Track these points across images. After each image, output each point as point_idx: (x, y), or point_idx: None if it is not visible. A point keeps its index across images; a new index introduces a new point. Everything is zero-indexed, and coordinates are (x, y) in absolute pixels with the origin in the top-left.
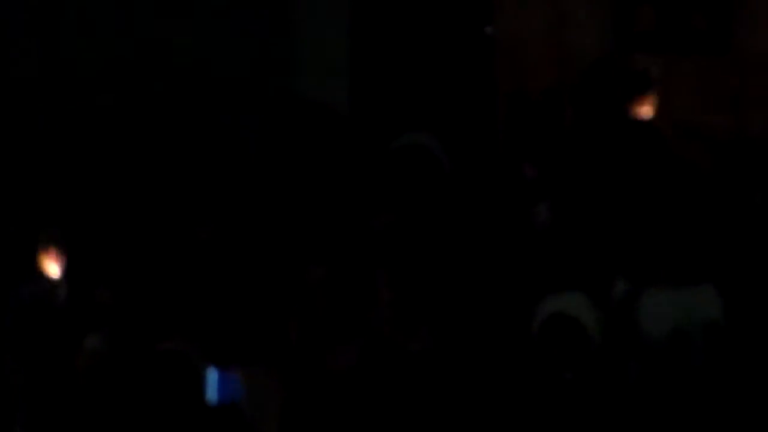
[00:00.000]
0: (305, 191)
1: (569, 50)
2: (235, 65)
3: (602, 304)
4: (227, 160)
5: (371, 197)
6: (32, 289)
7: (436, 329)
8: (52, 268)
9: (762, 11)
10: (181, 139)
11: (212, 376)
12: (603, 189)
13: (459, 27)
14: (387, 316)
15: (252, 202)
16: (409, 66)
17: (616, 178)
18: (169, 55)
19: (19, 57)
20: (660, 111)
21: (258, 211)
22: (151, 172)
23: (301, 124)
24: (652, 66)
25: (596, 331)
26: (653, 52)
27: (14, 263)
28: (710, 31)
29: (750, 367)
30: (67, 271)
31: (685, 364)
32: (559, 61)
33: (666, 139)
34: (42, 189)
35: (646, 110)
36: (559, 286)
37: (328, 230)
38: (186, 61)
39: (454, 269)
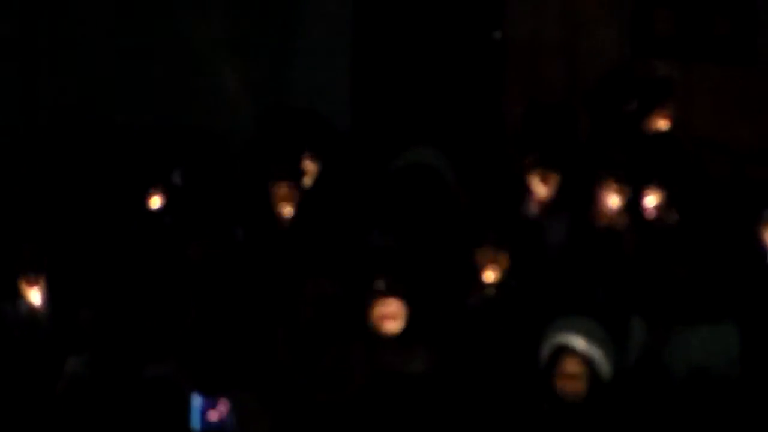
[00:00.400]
0: (303, 207)
1: (583, 56)
2: (233, 75)
3: (615, 335)
4: (218, 174)
5: (372, 214)
6: (14, 309)
7: (435, 351)
8: (33, 294)
9: None
10: (168, 153)
11: (196, 402)
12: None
13: (466, 31)
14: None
15: (244, 220)
16: (413, 73)
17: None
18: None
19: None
20: (678, 120)
21: (251, 229)
22: (135, 189)
23: (297, 137)
24: (672, 74)
25: (605, 364)
26: (672, 59)
27: None
28: (733, 37)
29: None
30: (49, 293)
31: (705, 402)
32: (572, 69)
33: (687, 154)
34: (22, 209)
35: (664, 121)
36: (569, 311)
37: (328, 248)
38: (181, 74)
39: (456, 288)
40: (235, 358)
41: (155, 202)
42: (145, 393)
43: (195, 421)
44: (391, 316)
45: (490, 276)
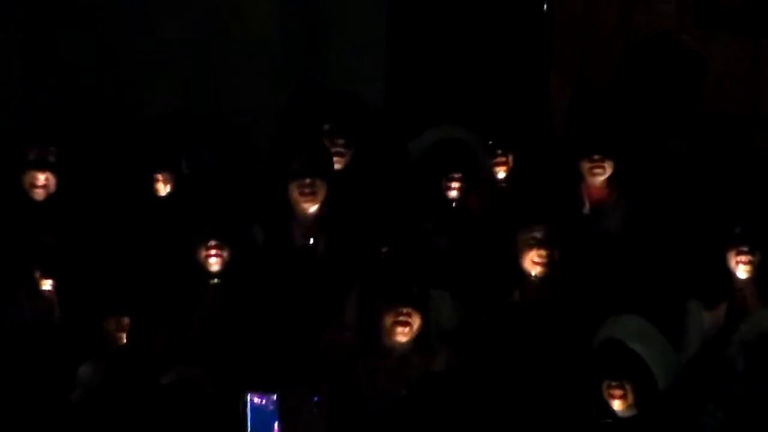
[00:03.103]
0: (342, 193)
1: (641, 31)
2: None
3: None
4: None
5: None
6: (32, 305)
7: (458, 353)
8: (47, 288)
9: None
10: (197, 144)
11: (250, 401)
12: (674, 195)
13: (509, 6)
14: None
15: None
16: (452, 51)
17: (687, 183)
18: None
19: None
20: (746, 102)
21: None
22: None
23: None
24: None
25: (658, 361)
26: (739, 33)
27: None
28: None
29: None
30: (62, 292)
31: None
32: (628, 45)
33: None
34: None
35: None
36: (620, 306)
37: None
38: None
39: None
40: (288, 352)
41: (161, 189)
42: (165, 399)
43: (254, 423)
44: (406, 325)
45: (538, 270)
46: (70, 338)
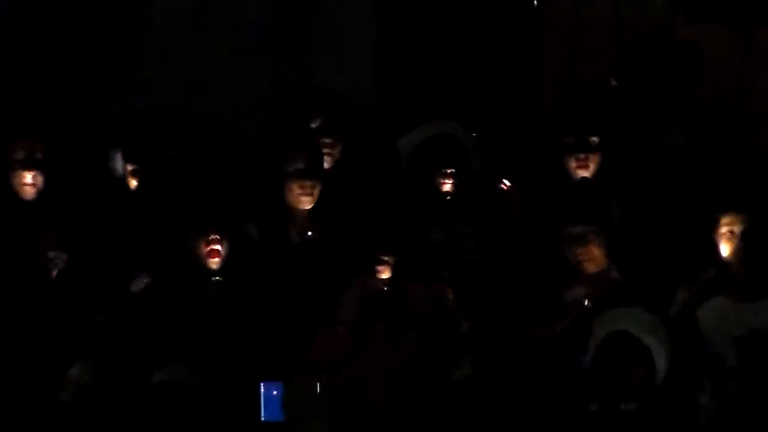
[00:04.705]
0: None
1: (631, 25)
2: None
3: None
4: (225, 163)
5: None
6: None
7: (479, 355)
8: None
9: None
10: (190, 140)
11: (263, 391)
12: (661, 192)
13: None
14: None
15: (258, 215)
16: (443, 45)
17: (677, 179)
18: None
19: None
20: (738, 96)
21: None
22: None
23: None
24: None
25: (663, 356)
26: (731, 26)
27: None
28: None
29: None
30: (54, 291)
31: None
32: (619, 38)
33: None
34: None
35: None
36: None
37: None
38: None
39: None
40: (291, 340)
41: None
42: (155, 398)
43: (267, 411)
44: None
45: (583, 266)
46: (61, 338)
